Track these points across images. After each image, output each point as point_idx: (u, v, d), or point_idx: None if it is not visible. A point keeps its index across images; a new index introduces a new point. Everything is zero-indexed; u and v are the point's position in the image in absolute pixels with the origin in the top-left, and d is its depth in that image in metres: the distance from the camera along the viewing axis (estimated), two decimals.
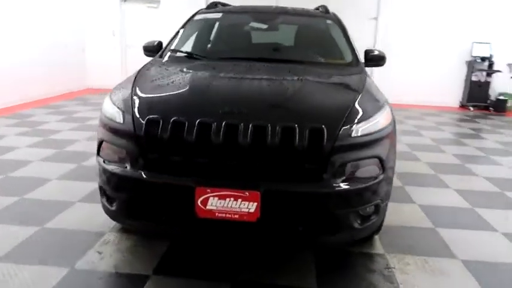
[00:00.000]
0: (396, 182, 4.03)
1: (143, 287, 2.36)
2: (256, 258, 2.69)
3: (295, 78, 2.70)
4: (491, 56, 8.87)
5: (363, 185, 2.20)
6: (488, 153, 5.58)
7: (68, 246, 2.79)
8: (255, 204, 2.07)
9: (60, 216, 3.20)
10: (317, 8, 4.31)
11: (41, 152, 4.83)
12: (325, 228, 2.22)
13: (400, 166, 4.36)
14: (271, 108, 2.28)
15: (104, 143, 2.40)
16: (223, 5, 4.36)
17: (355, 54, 3.40)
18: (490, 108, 9.01)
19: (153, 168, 2.20)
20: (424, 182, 4.30)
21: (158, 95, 2.49)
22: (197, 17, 3.84)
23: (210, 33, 3.82)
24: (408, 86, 9.24)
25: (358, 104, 2.37)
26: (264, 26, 3.67)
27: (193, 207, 2.11)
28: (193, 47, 3.60)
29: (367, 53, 3.51)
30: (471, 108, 9.07)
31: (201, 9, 4.06)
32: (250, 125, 2.10)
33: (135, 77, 2.74)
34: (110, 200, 2.42)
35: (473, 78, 8.95)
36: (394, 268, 2.66)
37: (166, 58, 3.37)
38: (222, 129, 2.11)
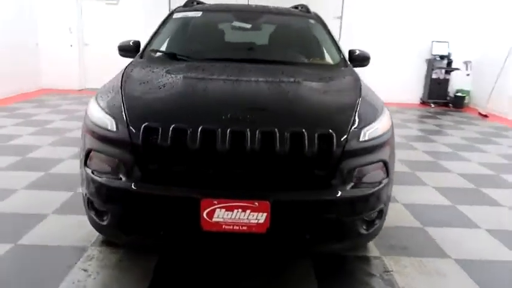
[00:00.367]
0: None
1: None
2: (255, 266, 2.58)
3: (292, 80, 2.61)
4: (449, 55, 9.22)
5: (371, 190, 2.15)
6: (456, 150, 5.77)
7: (48, 264, 2.56)
8: (265, 214, 1.96)
9: (34, 231, 2.94)
10: (296, 7, 4.25)
11: (1, 160, 4.46)
12: (333, 235, 2.15)
13: None
14: (276, 113, 2.18)
15: (92, 152, 2.19)
16: (198, 2, 4.20)
17: (343, 54, 3.37)
18: (450, 105, 9.37)
19: (152, 180, 2.04)
20: (403, 180, 4.36)
21: (152, 100, 2.31)
22: (176, 15, 3.66)
23: (192, 32, 3.64)
24: (371, 84, 9.36)
25: (362, 107, 2.32)
26: (248, 26, 3.55)
27: (198, 220, 1.97)
28: (176, 47, 3.42)
29: (351, 53, 3.49)
30: (432, 105, 9.39)
31: (179, 7, 3.88)
32: (258, 132, 1.99)
33: (122, 80, 2.54)
34: (99, 214, 2.23)
35: (433, 76, 9.27)
36: (392, 271, 2.64)
37: (148, 59, 3.17)
38: (228, 136, 1.98)
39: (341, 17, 9.36)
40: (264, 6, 4.02)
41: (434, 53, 9.19)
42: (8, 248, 2.70)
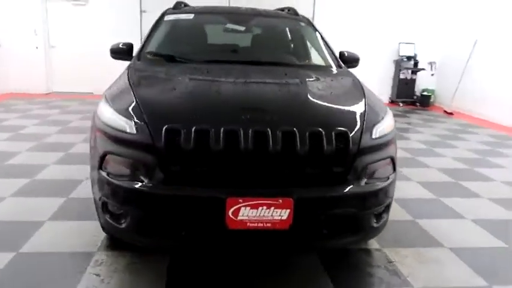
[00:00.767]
0: None
1: None
2: (265, 264, 2.64)
3: (297, 81, 2.69)
4: (415, 56, 9.63)
5: (383, 185, 2.27)
6: (430, 146, 6.06)
7: (57, 271, 2.51)
8: (288, 211, 2.03)
9: (34, 239, 2.86)
10: (281, 9, 4.34)
11: None
12: (349, 229, 2.25)
13: None
14: (293, 113, 2.25)
15: (108, 155, 2.18)
16: (186, 5, 4.20)
17: (336, 56, 3.49)
18: (417, 104, 9.79)
19: (174, 181, 2.05)
20: None
21: (169, 102, 2.33)
22: (168, 18, 3.65)
23: (187, 34, 3.65)
24: None
25: (369, 107, 2.43)
26: (242, 28, 3.61)
27: (224, 219, 2.01)
28: (172, 49, 3.41)
29: (341, 55, 3.62)
30: (401, 104, 9.76)
31: (169, 9, 3.87)
32: (278, 131, 2.06)
33: (130, 83, 2.53)
34: (116, 217, 2.22)
35: (401, 76, 9.65)
36: (395, 262, 2.78)
37: (147, 61, 3.16)
38: (250, 136, 2.04)
39: (312, 19, 9.56)
40: (253, 9, 4.08)
41: (401, 54, 9.58)
42: (10, 257, 2.62)
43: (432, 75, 9.86)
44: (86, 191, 3.74)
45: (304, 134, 2.08)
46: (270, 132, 2.05)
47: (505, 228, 3.38)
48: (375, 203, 2.26)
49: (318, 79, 2.85)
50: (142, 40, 3.47)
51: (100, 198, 2.27)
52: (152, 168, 2.06)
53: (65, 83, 9.71)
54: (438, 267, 2.74)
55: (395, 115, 8.47)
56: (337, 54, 3.63)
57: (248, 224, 2.03)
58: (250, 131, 2.04)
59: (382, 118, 2.39)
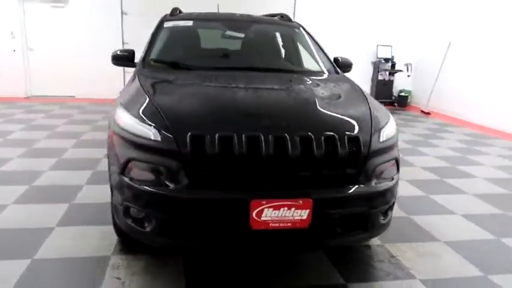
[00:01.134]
0: None
1: None
2: (275, 264, 2.77)
3: (304, 87, 2.83)
4: (392, 57, 9.97)
5: (390, 184, 2.44)
6: (414, 145, 6.34)
7: (77, 276, 2.56)
8: (307, 211, 2.16)
9: (46, 245, 2.89)
10: (273, 15, 4.47)
11: None
12: (361, 226, 2.40)
13: None
14: (307, 118, 2.38)
15: (132, 162, 2.25)
16: (179, 11, 4.27)
17: (331, 62, 3.65)
18: (395, 104, 10.13)
19: (200, 185, 2.15)
20: None
21: (189, 109, 2.42)
22: (167, 25, 3.72)
23: (189, 41, 3.74)
24: None
25: (374, 111, 2.60)
26: (242, 35, 3.72)
27: (248, 220, 2.13)
28: (176, 56, 3.49)
29: (336, 60, 3.78)
30: None
31: (166, 16, 3.93)
32: (296, 137, 2.19)
33: (145, 90, 2.61)
34: (139, 221, 2.29)
35: (379, 77, 9.97)
36: (397, 256, 2.96)
37: (153, 68, 3.23)
38: (270, 141, 2.16)
39: None
40: (249, 16, 4.20)
41: (379, 56, 9.90)
42: (26, 264, 2.65)
43: (408, 76, 10.22)
44: (88, 196, 3.78)
45: (319, 138, 2.22)
46: (288, 138, 2.18)
47: (491, 221, 3.62)
48: (384, 202, 2.42)
49: (321, 85, 3.00)
50: (145, 47, 3.52)
51: (121, 203, 2.34)
52: (177, 173, 2.15)
53: (44, 86, 9.55)
54: (437, 260, 2.94)
55: None
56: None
57: (270, 224, 2.15)
58: (270, 137, 2.16)
59: (387, 122, 2.56)
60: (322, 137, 2.23)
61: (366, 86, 10.28)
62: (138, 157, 2.23)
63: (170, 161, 2.16)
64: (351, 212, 2.33)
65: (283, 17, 4.30)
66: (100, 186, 4.05)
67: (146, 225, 2.28)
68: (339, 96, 2.81)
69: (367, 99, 2.78)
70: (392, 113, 9.06)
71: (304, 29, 4.04)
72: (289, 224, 2.17)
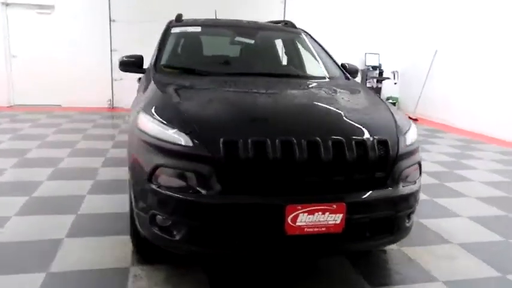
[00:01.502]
0: None
1: None
2: (300, 269, 2.74)
3: (324, 92, 2.84)
4: (380, 65, 10.16)
5: (416, 188, 2.46)
6: None
7: None
8: (341, 215, 2.15)
9: (60, 257, 2.78)
10: (277, 22, 4.50)
11: None
12: (389, 229, 2.40)
13: None
14: (336, 123, 2.38)
15: (160, 168, 2.19)
16: None
17: (340, 67, 3.68)
18: None
19: (233, 191, 2.12)
20: None
21: (217, 114, 2.39)
22: (175, 30, 3.67)
23: (200, 46, 3.70)
24: None
25: (396, 115, 2.62)
26: (251, 41, 3.71)
27: (283, 225, 2.10)
28: (190, 61, 3.46)
29: (343, 66, 3.81)
30: None
31: (172, 22, 3.88)
32: (329, 141, 2.18)
33: (167, 95, 2.56)
34: (167, 230, 2.23)
35: (368, 85, 10.10)
36: (415, 259, 2.97)
37: (167, 74, 3.17)
38: (303, 146, 2.14)
39: None
40: (256, 22, 4.20)
41: (367, 63, 10.07)
42: (42, 277, 2.54)
43: (395, 83, 10.42)
44: (93, 206, 3.67)
45: (350, 142, 2.22)
46: (321, 142, 2.17)
47: (497, 223, 3.69)
48: (410, 205, 2.44)
49: (337, 90, 3.00)
50: (154, 52, 3.46)
51: (147, 212, 2.28)
52: (209, 179, 2.11)
53: (29, 95, 9.28)
54: (454, 262, 2.97)
55: None
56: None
57: (305, 229, 2.13)
58: (303, 141, 2.15)
59: (410, 126, 2.59)
60: (353, 141, 2.23)
61: None
62: (167, 163, 2.18)
63: (202, 167, 2.11)
64: (380, 216, 2.33)
65: (287, 23, 4.32)
66: (103, 196, 3.95)
67: (175, 233, 2.22)
68: (360, 101, 2.82)
69: (386, 104, 2.81)
70: None
71: (310, 36, 4.06)
72: (323, 229, 2.15)
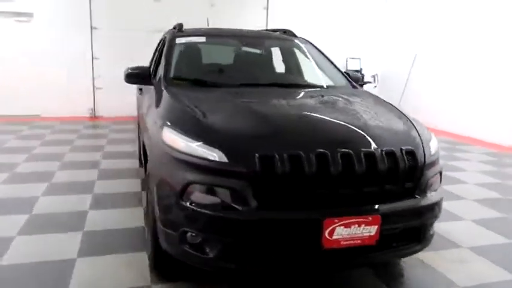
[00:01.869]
0: None
1: None
2: (321, 278, 2.75)
3: (340, 102, 2.85)
4: (361, 69, 10.33)
5: (440, 196, 2.50)
6: None
7: None
8: (376, 227, 2.16)
9: (76, 278, 2.67)
10: (274, 30, 4.50)
11: None
12: (415, 239, 2.43)
13: None
14: (364, 134, 2.38)
15: (192, 185, 2.15)
16: None
17: (346, 76, 3.71)
18: None
19: (269, 206, 2.09)
20: None
21: (250, 129, 2.35)
22: (180, 41, 3.61)
23: (207, 57, 3.66)
24: None
25: (417, 125, 2.66)
26: (258, 51, 3.69)
27: (320, 239, 2.09)
28: (200, 72, 3.41)
29: (347, 74, 3.86)
30: None
31: (174, 32, 3.81)
32: (362, 153, 2.19)
33: (190, 109, 2.52)
34: (200, 247, 2.19)
35: None
36: (431, 264, 3.02)
37: (180, 86, 3.11)
38: (338, 159, 2.15)
39: None
40: (258, 31, 4.19)
41: (349, 68, 10.21)
42: None
43: (375, 87, 10.61)
44: (98, 223, 3.55)
45: (381, 153, 2.24)
46: (353, 154, 2.18)
47: (499, 225, 3.81)
48: (436, 213, 2.48)
49: (350, 99, 3.01)
50: (162, 64, 3.38)
51: (176, 229, 2.22)
52: (245, 195, 2.08)
53: (7, 105, 8.92)
54: (466, 265, 3.04)
55: None
56: None
57: (341, 242, 2.13)
58: (337, 154, 2.15)
59: (431, 136, 2.63)
60: (383, 152, 2.25)
61: None
62: (201, 180, 2.14)
63: (238, 183, 2.08)
64: (410, 225, 2.36)
65: (286, 32, 4.33)
66: (106, 211, 3.84)
67: (208, 250, 2.18)
68: (378, 111, 2.84)
69: (403, 113, 2.85)
70: None
71: (311, 43, 4.09)
72: (358, 241, 2.16)
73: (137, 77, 3.37)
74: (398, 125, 2.64)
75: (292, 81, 3.44)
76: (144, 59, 8.87)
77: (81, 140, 6.94)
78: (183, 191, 2.16)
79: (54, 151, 6.11)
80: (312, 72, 3.78)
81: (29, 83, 8.85)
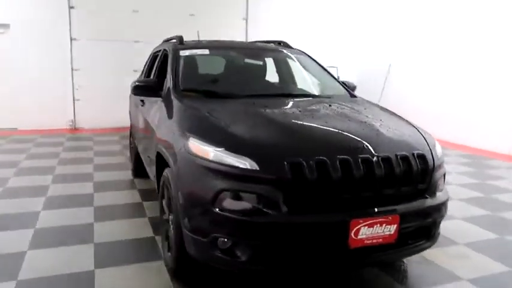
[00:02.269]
0: None
1: None
2: (334, 279, 2.89)
3: (348, 110, 3.03)
4: (338, 78, 10.62)
5: (447, 196, 2.71)
6: None
7: None
8: (395, 226, 2.33)
9: None
10: (269, 42, 4.67)
11: None
12: (426, 236, 2.62)
13: None
14: (379, 140, 2.55)
15: (224, 192, 2.25)
16: None
17: (343, 85, 3.91)
18: None
19: (299, 210, 2.23)
20: None
21: (276, 137, 2.48)
22: (184, 53, 3.69)
23: (211, 69, 3.76)
24: None
25: (421, 130, 2.87)
26: (260, 63, 3.83)
27: (347, 240, 2.24)
28: (209, 84, 3.51)
29: (343, 83, 4.05)
30: None
31: (176, 44, 3.89)
32: (380, 158, 2.36)
33: (213, 119, 2.64)
34: (231, 252, 2.29)
35: None
36: (433, 261, 3.23)
37: (191, 98, 3.19)
38: (359, 163, 2.31)
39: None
40: (256, 43, 4.33)
41: None
42: None
43: None
44: (106, 234, 3.57)
45: (397, 158, 2.42)
46: (373, 159, 2.35)
47: (487, 222, 4.08)
48: (444, 212, 2.68)
49: (355, 108, 3.19)
50: (170, 76, 3.45)
51: (206, 235, 2.32)
52: (276, 200, 2.20)
53: None
54: (467, 260, 3.26)
55: None
56: None
57: (365, 241, 2.28)
58: (358, 159, 2.32)
59: (435, 140, 2.84)
60: (398, 156, 2.43)
61: None
62: (233, 187, 2.24)
63: (269, 189, 2.20)
64: (423, 224, 2.55)
65: (281, 43, 4.50)
66: (111, 222, 3.87)
67: (239, 254, 2.28)
68: (384, 118, 3.02)
69: (407, 120, 3.05)
70: None
71: (308, 55, 4.27)
72: (380, 240, 2.32)
73: (145, 89, 3.44)
74: (406, 130, 2.83)
75: (299, 92, 3.60)
76: (124, 69, 8.91)
77: (67, 153, 6.84)
78: (215, 199, 2.26)
79: (43, 164, 6.01)
80: (314, 83, 3.95)
81: (4, 95, 8.63)
